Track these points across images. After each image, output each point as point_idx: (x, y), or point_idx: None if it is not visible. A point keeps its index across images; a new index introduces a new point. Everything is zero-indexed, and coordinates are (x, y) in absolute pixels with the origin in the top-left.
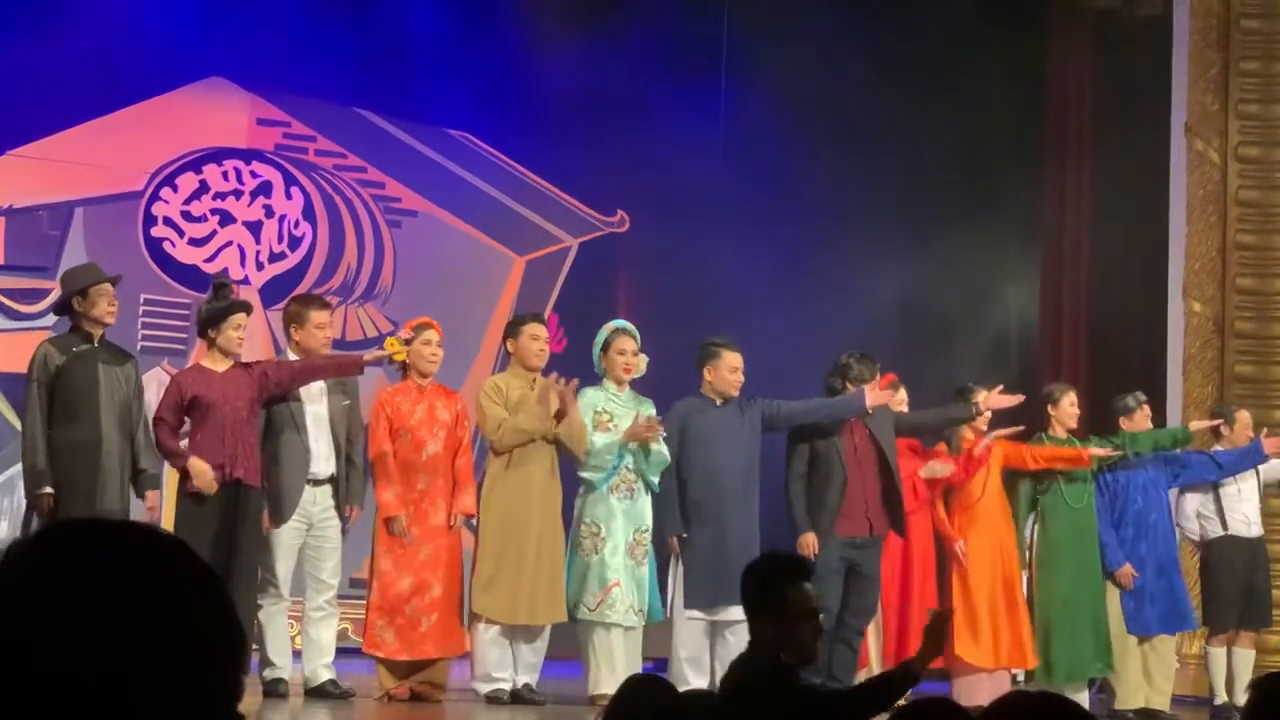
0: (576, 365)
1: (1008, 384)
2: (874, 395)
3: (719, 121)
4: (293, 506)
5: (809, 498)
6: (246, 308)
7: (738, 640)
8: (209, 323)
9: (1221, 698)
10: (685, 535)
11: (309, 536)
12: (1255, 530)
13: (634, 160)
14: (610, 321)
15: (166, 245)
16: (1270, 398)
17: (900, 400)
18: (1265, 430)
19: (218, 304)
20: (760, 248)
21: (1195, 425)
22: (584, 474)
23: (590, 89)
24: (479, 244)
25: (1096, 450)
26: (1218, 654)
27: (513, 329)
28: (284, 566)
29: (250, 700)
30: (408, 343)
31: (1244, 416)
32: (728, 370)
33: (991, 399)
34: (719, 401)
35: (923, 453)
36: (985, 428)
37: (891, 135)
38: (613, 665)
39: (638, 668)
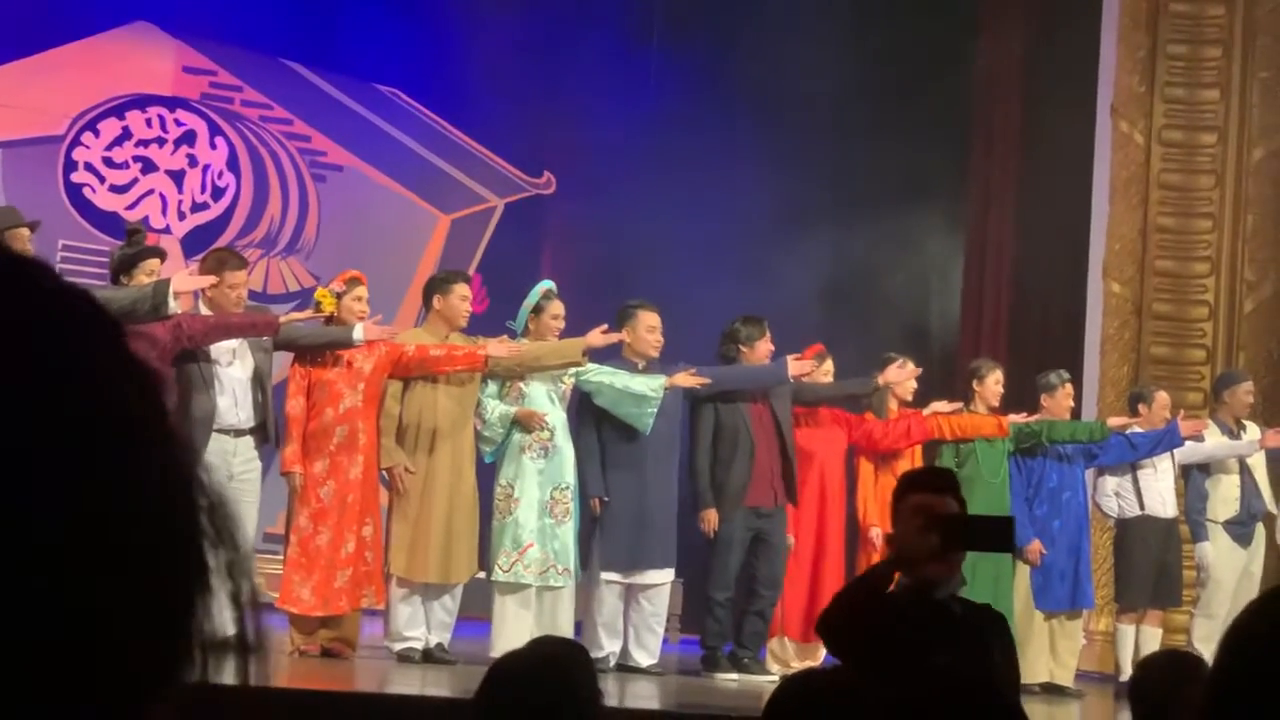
0: (496, 327)
1: (925, 355)
2: (797, 365)
3: (649, 86)
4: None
5: (714, 469)
6: (160, 254)
7: (652, 605)
8: (121, 269)
9: (1127, 674)
10: (607, 499)
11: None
12: (1171, 511)
13: (562, 122)
14: (541, 283)
15: (87, 191)
16: (1185, 380)
17: (826, 371)
18: (1182, 412)
19: (130, 250)
20: (685, 216)
21: (1113, 421)
22: (480, 446)
23: (520, 48)
24: (404, 201)
25: (1015, 417)
26: (1127, 631)
27: (441, 286)
28: None
29: None
30: (339, 296)
31: (1162, 397)
32: (645, 330)
33: (890, 373)
34: (640, 365)
35: (848, 422)
36: (905, 401)
37: (819, 107)
38: (518, 628)
39: (566, 628)
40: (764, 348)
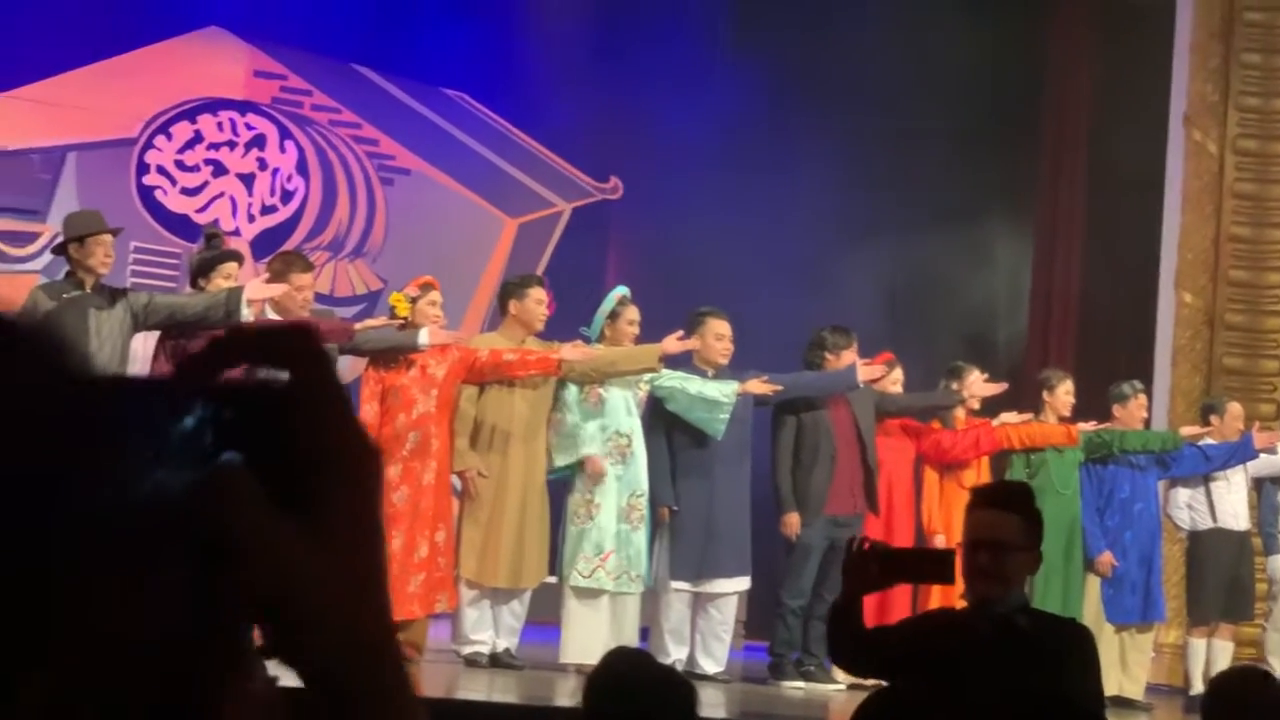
0: (562, 331)
1: (994, 368)
2: (866, 370)
3: (716, 91)
4: None
5: (796, 474)
6: (238, 258)
7: (720, 614)
8: (199, 272)
9: (1198, 689)
10: (676, 508)
11: None
12: (1243, 524)
13: (629, 127)
14: (616, 288)
15: (158, 193)
16: (1258, 391)
17: (895, 380)
18: (1257, 424)
19: (209, 254)
20: (752, 222)
21: (1185, 431)
22: (555, 463)
23: (587, 52)
24: (471, 205)
25: (1085, 426)
26: (1198, 645)
27: (517, 291)
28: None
29: None
30: (413, 301)
31: (1235, 408)
32: (714, 338)
33: (975, 386)
34: (710, 372)
35: (916, 432)
36: (973, 410)
37: (890, 112)
38: (590, 633)
39: (634, 634)
40: (849, 358)
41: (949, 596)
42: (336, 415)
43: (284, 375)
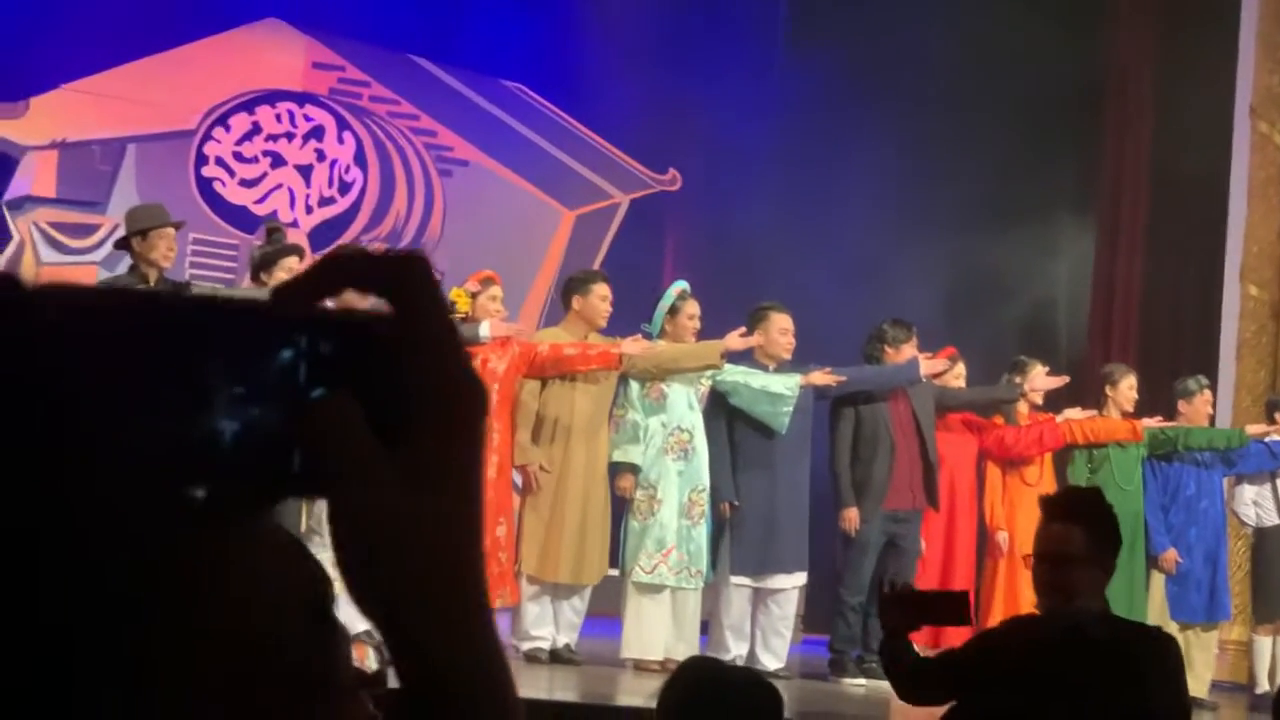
0: (619, 324)
1: (1054, 359)
2: (929, 365)
3: (776, 84)
4: None
5: (854, 468)
6: (299, 252)
7: (780, 610)
8: (261, 266)
9: (1263, 687)
10: (737, 503)
11: None
12: None
13: (688, 119)
14: (676, 283)
15: (217, 185)
16: None
17: (958, 374)
18: None
19: (270, 248)
20: (811, 216)
21: (1251, 429)
22: (615, 458)
23: (646, 43)
24: (529, 196)
25: (1149, 421)
26: (1264, 643)
27: (581, 287)
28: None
29: None
30: (474, 296)
31: None
32: (778, 333)
33: (1037, 380)
34: (771, 366)
35: (978, 428)
36: (1036, 405)
37: (949, 100)
38: (651, 629)
39: (694, 630)
40: (909, 352)
41: (1013, 583)
42: (447, 353)
43: (390, 307)
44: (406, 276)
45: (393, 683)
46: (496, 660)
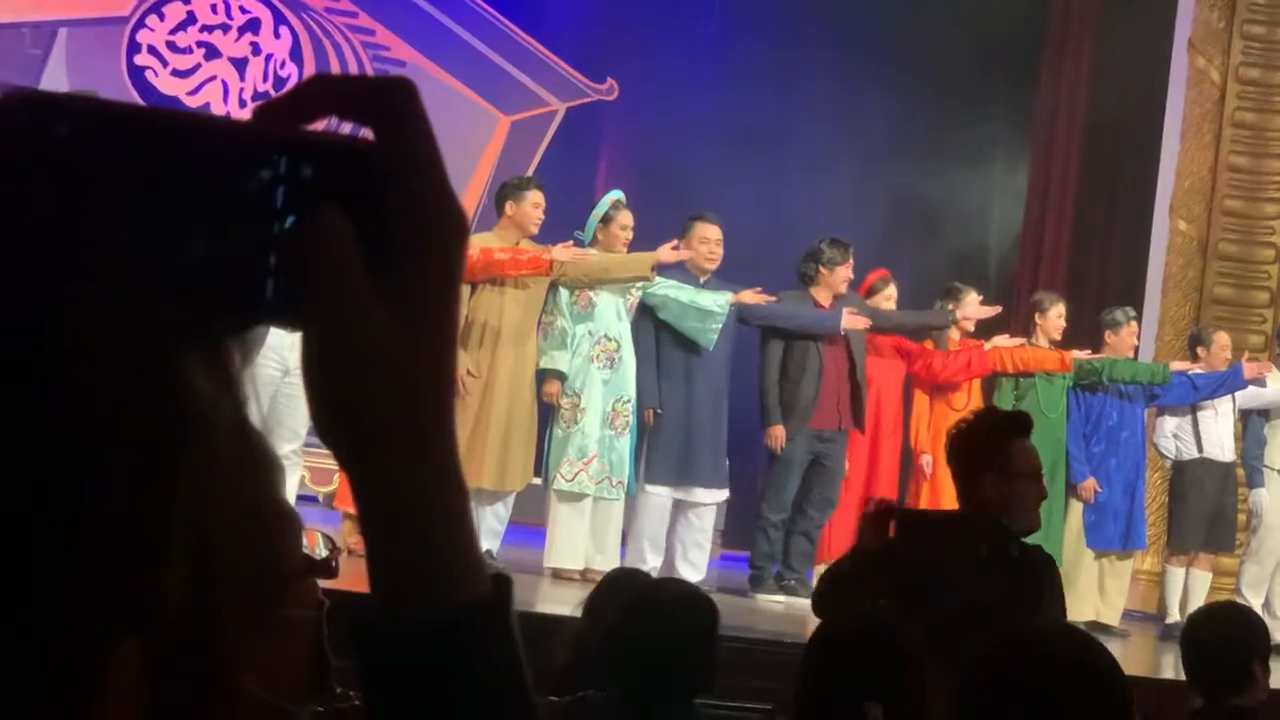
0: (551, 231)
1: (985, 287)
2: (850, 319)
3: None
4: (260, 344)
5: (782, 387)
6: None
7: (700, 521)
8: None
9: (1174, 617)
10: (660, 411)
11: (283, 384)
12: (1229, 455)
13: (628, 28)
14: (610, 192)
15: (149, 74)
16: (1247, 322)
17: (889, 296)
18: (1246, 355)
19: None
20: (749, 128)
21: (1176, 366)
22: (542, 364)
23: None
24: (465, 100)
25: (1078, 353)
26: (1176, 574)
27: (514, 193)
28: (256, 411)
29: None
30: None
31: (1222, 338)
32: (699, 241)
33: (970, 308)
34: (701, 279)
35: (908, 353)
36: (967, 332)
37: (890, 25)
38: (572, 538)
39: (615, 541)
40: (844, 274)
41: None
42: (430, 182)
43: (373, 133)
44: (392, 102)
45: (346, 570)
46: (462, 493)
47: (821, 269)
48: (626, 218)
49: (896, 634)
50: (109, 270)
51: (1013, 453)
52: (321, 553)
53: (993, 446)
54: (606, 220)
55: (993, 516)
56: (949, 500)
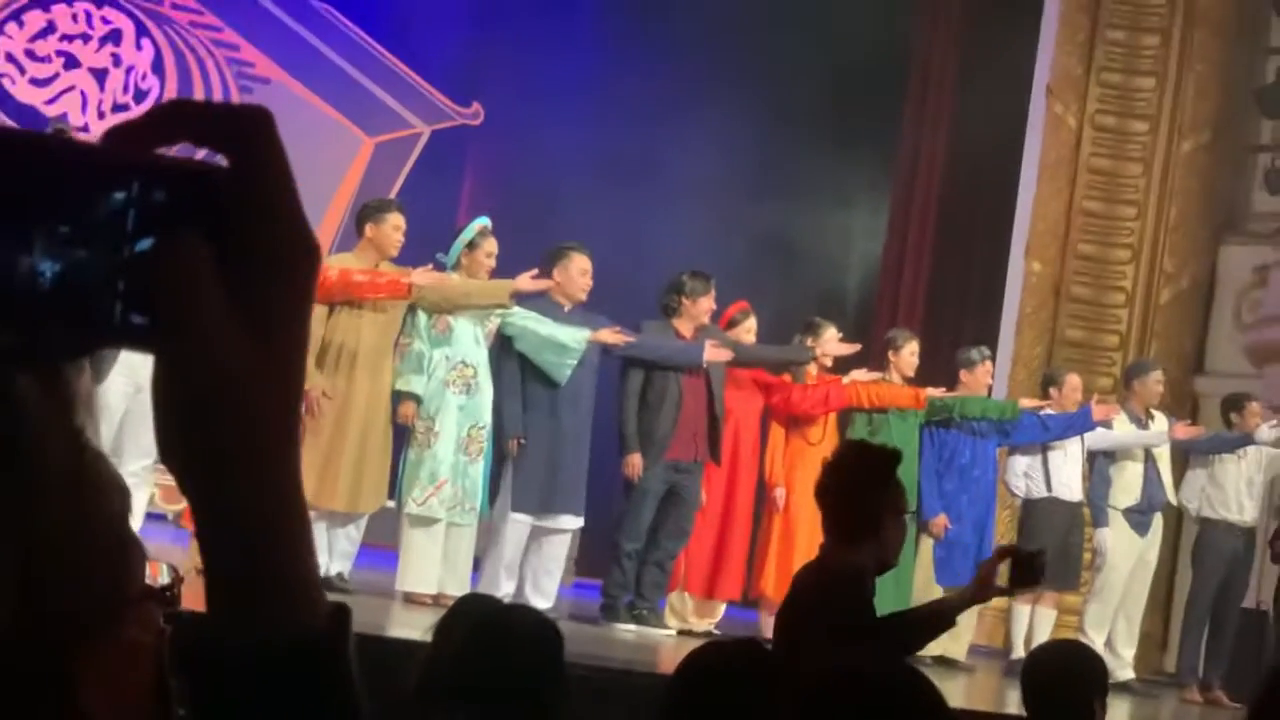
0: (414, 254)
1: (843, 323)
2: (712, 351)
3: (584, 22)
4: (112, 361)
5: (641, 416)
6: None
7: (552, 550)
8: None
9: (1018, 652)
10: (524, 441)
11: (134, 401)
12: (1076, 495)
13: (495, 52)
14: (478, 219)
15: (5, 82)
16: (1097, 364)
17: (749, 329)
18: (1096, 396)
19: None
20: (616, 158)
21: (1025, 403)
22: (398, 387)
23: None
24: (329, 120)
25: (932, 391)
26: (1022, 611)
27: (374, 215)
28: (105, 429)
29: None
30: None
31: (1073, 380)
32: (578, 272)
33: (829, 345)
34: (566, 306)
35: (766, 386)
36: (825, 367)
37: (760, 66)
38: (424, 562)
39: (467, 566)
40: (706, 304)
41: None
42: (285, 208)
43: (227, 159)
44: (248, 129)
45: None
46: (302, 520)
47: (684, 300)
48: (492, 245)
49: (764, 664)
50: None
51: (900, 490)
52: (164, 579)
53: (887, 484)
54: (472, 246)
55: (889, 556)
56: (803, 534)
